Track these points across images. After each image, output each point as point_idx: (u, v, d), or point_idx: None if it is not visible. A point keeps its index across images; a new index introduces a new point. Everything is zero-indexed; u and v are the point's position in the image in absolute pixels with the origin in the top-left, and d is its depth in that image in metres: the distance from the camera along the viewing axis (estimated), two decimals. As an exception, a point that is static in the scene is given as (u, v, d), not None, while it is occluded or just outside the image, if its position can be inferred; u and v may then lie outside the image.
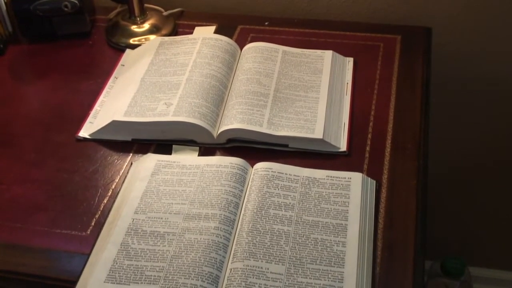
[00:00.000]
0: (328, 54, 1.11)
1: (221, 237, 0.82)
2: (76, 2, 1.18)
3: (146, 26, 1.21)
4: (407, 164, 0.93)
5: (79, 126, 1.03)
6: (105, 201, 0.91)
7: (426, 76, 1.09)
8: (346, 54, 1.13)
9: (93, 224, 0.88)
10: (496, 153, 1.41)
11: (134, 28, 1.21)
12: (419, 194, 0.89)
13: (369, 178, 0.90)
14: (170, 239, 0.82)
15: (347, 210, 0.86)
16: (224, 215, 0.85)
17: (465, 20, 1.22)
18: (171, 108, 0.99)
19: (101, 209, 0.90)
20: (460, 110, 1.36)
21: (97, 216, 0.89)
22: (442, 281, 1.48)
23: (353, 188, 0.88)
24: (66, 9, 1.18)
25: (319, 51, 1.12)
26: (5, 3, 1.20)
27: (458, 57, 1.26)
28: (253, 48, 1.12)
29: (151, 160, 0.95)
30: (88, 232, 0.87)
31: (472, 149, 1.42)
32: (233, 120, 0.97)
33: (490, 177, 1.46)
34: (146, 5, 1.23)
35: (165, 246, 0.82)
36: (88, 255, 0.83)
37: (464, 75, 1.29)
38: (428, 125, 1.02)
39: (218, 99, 1.02)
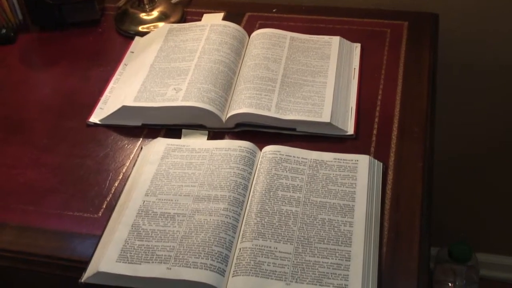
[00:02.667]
0: (335, 39, 1.12)
1: (230, 218, 0.84)
2: (86, -11, 1.19)
3: (155, 13, 1.23)
4: (414, 147, 0.94)
5: (89, 112, 1.04)
6: (116, 184, 0.93)
7: (433, 61, 1.10)
8: (353, 40, 1.14)
9: (104, 206, 0.89)
10: (504, 138, 1.42)
11: (143, 15, 1.22)
12: (425, 176, 0.90)
13: (376, 161, 0.91)
14: (180, 220, 0.84)
15: (354, 192, 0.87)
16: (233, 196, 0.86)
17: (472, 5, 1.23)
18: (180, 93, 1.00)
19: (112, 192, 0.92)
20: (467, 95, 1.36)
21: (108, 198, 0.91)
22: (449, 266, 1.49)
23: (360, 170, 0.90)
24: (75, -3, 1.19)
25: (326, 37, 1.13)
26: (16, -9, 1.21)
27: (465, 42, 1.27)
28: (261, 34, 1.13)
29: (161, 144, 0.96)
30: (100, 214, 0.88)
31: (479, 134, 1.43)
32: (242, 104, 0.98)
33: (498, 163, 1.47)
34: (154, -8, 1.24)
35: (175, 227, 0.83)
36: (100, 236, 0.84)
37: (472, 60, 1.29)
38: (435, 110, 1.03)
39: (227, 84, 1.03)
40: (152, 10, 1.23)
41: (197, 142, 0.96)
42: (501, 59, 1.29)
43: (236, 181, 0.88)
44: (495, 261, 1.63)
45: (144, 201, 0.87)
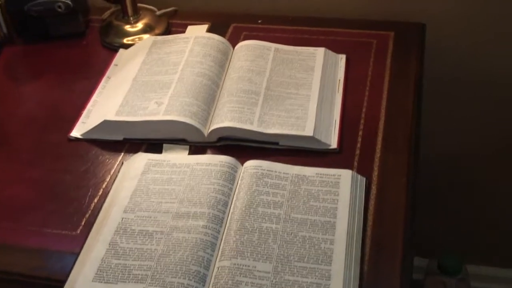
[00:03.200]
0: (320, 51, 1.11)
1: (209, 236, 0.82)
2: (69, 2, 1.18)
3: (140, 25, 1.22)
4: (398, 161, 0.93)
5: (72, 126, 1.03)
6: (95, 200, 0.91)
7: (419, 72, 1.09)
8: (339, 51, 1.13)
9: (83, 223, 0.88)
10: (492, 148, 1.41)
11: (127, 28, 1.21)
12: (409, 191, 0.89)
13: (359, 175, 0.90)
14: (159, 238, 0.83)
15: (336, 208, 0.85)
16: (212, 213, 0.85)
17: (460, 15, 1.21)
18: (162, 107, 0.99)
19: (92, 208, 0.90)
20: (454, 105, 1.35)
21: (87, 215, 0.89)
22: (439, 279, 1.48)
23: (342, 185, 0.88)
24: (59, 9, 1.18)
25: (311, 49, 1.12)
26: (0, 4, 1.20)
27: (453, 52, 1.26)
28: (245, 46, 1.12)
29: (141, 159, 0.95)
30: (78, 232, 0.87)
31: (468, 144, 1.41)
32: (224, 118, 0.97)
33: (487, 174, 1.46)
34: (139, 4, 1.23)
35: (153, 245, 0.82)
36: (78, 254, 0.83)
37: (459, 70, 1.28)
38: (421, 122, 1.02)
39: (210, 97, 1.02)
40: (136, 22, 1.22)
41: (178, 157, 0.95)
42: (489, 69, 1.27)
43: (216, 197, 0.87)
44: (486, 273, 1.61)
45: (122, 218, 0.86)
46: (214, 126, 0.97)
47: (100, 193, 0.93)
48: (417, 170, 0.94)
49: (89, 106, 1.06)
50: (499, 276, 1.61)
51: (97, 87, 1.10)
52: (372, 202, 0.88)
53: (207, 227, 0.83)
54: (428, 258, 1.55)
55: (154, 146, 0.99)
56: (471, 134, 1.39)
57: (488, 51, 1.26)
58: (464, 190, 1.50)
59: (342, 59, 1.12)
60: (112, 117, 0.99)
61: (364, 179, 0.90)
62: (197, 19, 1.25)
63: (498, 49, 1.25)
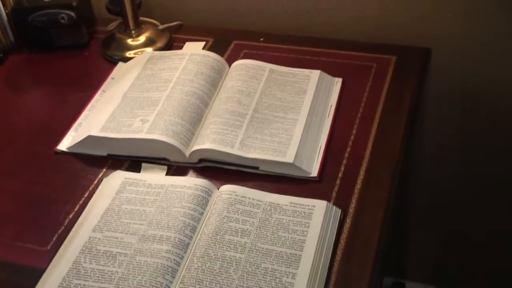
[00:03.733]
0: (315, 74, 1.09)
1: (171, 261, 0.81)
2: (73, 14, 1.19)
3: (141, 39, 1.21)
4: (378, 193, 0.90)
5: (60, 139, 1.03)
6: (70, 216, 0.91)
7: (416, 100, 1.05)
8: (337, 74, 1.11)
9: (54, 239, 0.88)
10: (498, 175, 1.35)
11: (129, 41, 1.21)
12: (384, 227, 0.86)
13: (334, 207, 0.87)
14: (121, 260, 0.82)
15: (304, 240, 0.83)
16: (178, 238, 0.84)
17: (468, 39, 1.17)
18: (146, 125, 0.98)
19: (65, 224, 0.90)
20: (459, 130, 1.30)
21: (59, 231, 0.89)
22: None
23: (314, 217, 0.86)
24: (62, 21, 1.19)
25: (307, 71, 1.10)
26: (7, 13, 1.22)
27: (459, 77, 1.21)
28: (240, 65, 1.10)
29: (119, 177, 0.94)
30: (48, 248, 0.87)
31: (474, 170, 1.36)
32: (205, 140, 0.96)
33: (492, 198, 1.40)
34: (142, 18, 1.23)
35: (114, 267, 0.81)
36: (43, 271, 0.83)
37: (465, 94, 1.24)
38: (410, 153, 0.98)
39: (196, 117, 1.01)
40: (138, 35, 1.21)
41: (155, 177, 0.94)
42: (498, 95, 1.22)
43: (185, 221, 0.86)
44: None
45: (90, 237, 0.86)
46: (196, 147, 0.96)
47: (76, 209, 0.92)
48: (397, 205, 0.91)
49: (80, 119, 1.06)
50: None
51: (90, 100, 1.10)
52: (344, 236, 0.85)
53: (171, 252, 0.82)
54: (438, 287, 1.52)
55: (137, 163, 0.98)
56: (474, 161, 1.34)
57: (496, 75, 1.21)
58: (468, 216, 1.45)
59: (338, 82, 1.09)
60: (96, 132, 0.99)
61: (340, 211, 0.87)
62: (200, 35, 1.24)
63: (506, 74, 1.20)
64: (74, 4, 1.19)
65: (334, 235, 0.85)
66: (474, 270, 1.53)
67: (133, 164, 0.98)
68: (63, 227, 0.90)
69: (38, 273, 0.83)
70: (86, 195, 0.94)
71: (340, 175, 0.93)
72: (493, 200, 1.39)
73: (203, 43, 1.20)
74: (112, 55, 1.21)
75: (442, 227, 1.48)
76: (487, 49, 1.18)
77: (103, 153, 1.00)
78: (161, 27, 1.24)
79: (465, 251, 1.51)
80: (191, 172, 0.96)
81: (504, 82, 1.21)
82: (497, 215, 1.41)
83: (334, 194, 0.91)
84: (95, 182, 0.96)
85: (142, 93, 1.06)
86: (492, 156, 1.32)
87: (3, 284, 0.84)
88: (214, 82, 1.08)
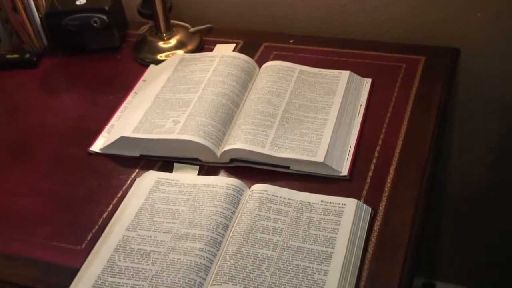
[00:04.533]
0: (344, 74, 1.09)
1: (204, 259, 0.82)
2: (105, 18, 1.21)
3: (172, 42, 1.23)
4: (408, 192, 0.90)
5: (93, 140, 1.05)
6: (104, 216, 0.93)
7: (445, 100, 1.05)
8: (366, 74, 1.11)
9: (88, 238, 0.90)
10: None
11: (160, 44, 1.23)
12: (415, 225, 0.86)
13: (364, 205, 0.88)
14: (155, 258, 0.83)
15: (335, 237, 0.84)
16: (211, 236, 0.85)
17: (496, 40, 1.17)
18: (178, 126, 1.00)
19: (99, 224, 0.92)
20: (484, 133, 1.30)
21: (94, 230, 0.91)
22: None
23: (345, 215, 0.86)
24: (95, 24, 1.21)
25: (336, 71, 1.11)
26: (40, 18, 1.24)
27: (487, 77, 1.21)
28: (270, 67, 1.12)
29: (151, 177, 0.96)
30: (83, 247, 0.89)
31: (499, 170, 1.35)
32: (237, 140, 0.97)
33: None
34: (173, 21, 1.24)
35: (148, 265, 0.83)
36: (78, 269, 0.85)
37: (495, 96, 1.23)
38: (439, 152, 0.98)
39: (227, 118, 1.02)
40: (169, 38, 1.23)
41: (187, 177, 0.96)
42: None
43: (217, 220, 0.87)
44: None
45: (123, 236, 0.87)
46: (227, 147, 0.97)
47: (109, 208, 0.94)
48: (427, 203, 0.91)
49: (112, 121, 1.08)
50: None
51: (123, 102, 1.12)
52: (374, 234, 0.85)
53: (203, 250, 0.83)
54: (462, 286, 1.50)
55: (169, 164, 1.00)
56: (502, 161, 1.33)
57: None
58: (493, 216, 1.44)
59: (367, 83, 1.09)
60: (129, 133, 1.01)
61: (370, 209, 0.88)
62: (230, 37, 1.26)
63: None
64: (107, 7, 1.21)
65: (365, 233, 0.85)
66: (507, 270, 1.52)
67: (165, 164, 1.00)
68: (97, 227, 0.91)
69: (73, 271, 0.85)
70: (119, 195, 0.96)
71: (370, 174, 0.94)
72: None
73: (233, 45, 1.22)
74: (143, 58, 1.22)
75: (474, 227, 1.48)
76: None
77: (136, 154, 1.02)
78: (192, 30, 1.26)
79: (498, 251, 1.50)
80: (222, 172, 0.98)
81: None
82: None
83: (364, 192, 0.91)
84: (128, 182, 0.98)
85: (173, 95, 1.07)
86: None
87: (39, 283, 0.85)
88: (244, 83, 1.09)
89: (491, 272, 1.53)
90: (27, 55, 1.25)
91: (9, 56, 1.25)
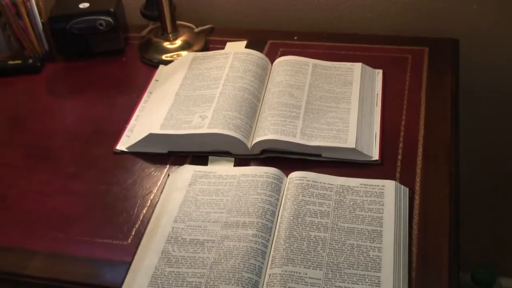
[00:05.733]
0: (357, 66, 1.13)
1: (259, 244, 0.84)
2: (111, 20, 1.21)
3: (178, 42, 1.25)
4: (439, 171, 0.95)
5: (116, 140, 1.05)
6: (144, 211, 0.94)
7: (455, 86, 1.11)
8: (374, 66, 1.16)
9: (133, 233, 0.90)
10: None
11: (166, 44, 1.24)
12: (452, 201, 0.91)
13: (402, 186, 0.92)
14: (210, 247, 0.85)
15: (382, 217, 0.87)
16: (261, 222, 0.87)
17: (493, 30, 1.24)
18: (206, 120, 1.01)
19: (141, 219, 0.92)
20: (487, 119, 1.37)
21: (137, 225, 0.91)
22: (473, 291, 1.49)
23: (387, 196, 0.90)
24: (101, 27, 1.22)
25: (348, 64, 1.15)
26: (42, 22, 1.23)
27: (486, 68, 1.28)
28: (284, 61, 1.15)
29: (188, 171, 0.97)
30: (129, 241, 0.89)
31: (500, 156, 1.43)
32: (267, 131, 0.99)
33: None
34: (178, 22, 1.26)
35: (205, 253, 0.84)
36: (130, 263, 0.85)
37: (492, 85, 1.30)
38: (459, 134, 1.03)
39: (251, 111, 1.04)
40: (175, 39, 1.25)
41: (223, 168, 0.97)
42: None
43: (264, 207, 0.89)
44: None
45: (173, 228, 0.88)
46: (258, 139, 0.99)
47: (148, 204, 0.95)
48: (458, 180, 0.95)
49: (132, 120, 1.09)
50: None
51: (139, 102, 1.13)
52: (416, 212, 0.89)
53: (257, 235, 0.85)
54: (461, 272, 1.56)
55: (198, 158, 1.01)
56: (505, 146, 1.40)
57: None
58: (497, 201, 1.51)
59: (379, 73, 1.14)
60: (157, 130, 1.02)
61: (408, 189, 0.92)
62: (234, 36, 1.28)
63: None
64: (112, 9, 1.21)
65: (407, 211, 0.89)
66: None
67: (195, 159, 1.01)
68: (139, 222, 0.92)
69: (123, 265, 0.85)
70: (155, 191, 0.97)
71: (399, 157, 0.98)
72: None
73: (244, 42, 1.24)
74: (151, 58, 1.23)
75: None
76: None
77: (164, 150, 1.02)
78: (196, 30, 1.28)
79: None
80: (253, 164, 1.00)
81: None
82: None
83: (397, 175, 0.95)
84: (162, 177, 0.99)
85: (194, 92, 1.09)
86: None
87: (92, 278, 0.85)
88: (261, 78, 1.12)
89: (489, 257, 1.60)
90: (30, 61, 1.24)
91: (11, 62, 1.24)
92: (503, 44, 1.25)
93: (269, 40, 1.26)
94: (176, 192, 0.94)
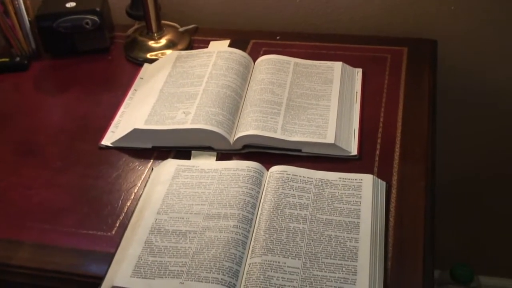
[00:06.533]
0: (337, 65, 1.16)
1: (240, 235, 0.87)
2: (97, 19, 1.24)
3: (163, 41, 1.27)
4: (416, 167, 0.98)
5: (101, 135, 1.08)
6: (128, 204, 0.96)
7: (433, 85, 1.14)
8: (355, 66, 1.19)
9: (117, 225, 0.92)
10: (501, 160, 1.45)
11: (151, 43, 1.27)
12: (428, 194, 0.93)
13: (379, 180, 0.95)
14: (192, 237, 0.87)
15: (359, 209, 0.90)
16: (242, 214, 0.89)
17: (470, 32, 1.27)
18: (189, 116, 1.04)
19: (125, 211, 0.95)
20: (463, 120, 1.40)
21: (121, 217, 0.94)
22: (452, 288, 1.52)
23: (364, 189, 0.93)
24: (87, 26, 1.24)
25: (329, 62, 1.17)
26: (29, 21, 1.25)
27: (463, 68, 1.31)
28: (266, 60, 1.17)
29: (171, 164, 0.99)
30: (113, 233, 0.91)
31: (477, 156, 1.46)
32: (249, 127, 1.02)
33: (497, 185, 1.50)
34: (162, 21, 1.28)
35: (187, 243, 0.86)
36: (114, 253, 0.87)
37: (470, 85, 1.33)
38: (435, 131, 1.07)
39: (234, 108, 1.07)
40: (160, 38, 1.27)
41: (206, 163, 1.00)
42: (499, 85, 1.33)
43: (245, 199, 0.92)
44: (497, 284, 1.65)
45: (156, 219, 0.90)
46: (240, 134, 1.02)
47: (132, 197, 0.97)
48: (434, 175, 0.98)
49: (117, 116, 1.11)
50: (511, 287, 1.66)
51: (124, 99, 1.15)
52: (393, 205, 0.92)
53: (238, 226, 0.87)
54: (440, 269, 1.59)
55: (182, 153, 1.04)
56: (482, 147, 1.44)
57: (496, 67, 1.31)
58: (474, 201, 1.54)
59: (358, 72, 1.17)
60: (141, 125, 1.04)
61: (385, 183, 0.95)
62: (218, 36, 1.31)
63: (506, 65, 1.30)
64: (98, 9, 1.24)
65: (384, 204, 0.92)
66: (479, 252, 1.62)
67: (179, 154, 1.04)
68: (123, 214, 0.94)
69: (107, 256, 0.87)
70: (139, 184, 0.99)
71: (377, 152, 1.01)
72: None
73: (228, 41, 1.27)
74: (136, 57, 1.26)
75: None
76: (488, 42, 1.28)
77: (148, 145, 1.05)
78: (181, 29, 1.30)
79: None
80: (235, 158, 1.02)
81: (507, 76, 1.31)
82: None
83: (375, 169, 0.98)
84: (146, 171, 1.01)
85: (178, 89, 1.11)
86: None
87: (77, 267, 0.87)
88: (244, 76, 1.15)
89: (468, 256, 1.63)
90: (18, 59, 1.26)
91: (-2, 60, 1.26)
92: (480, 45, 1.28)
93: (252, 40, 1.29)
94: (160, 185, 0.96)
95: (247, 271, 0.83)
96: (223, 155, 1.03)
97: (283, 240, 0.86)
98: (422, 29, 1.28)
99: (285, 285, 0.80)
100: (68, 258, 0.88)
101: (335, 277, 0.81)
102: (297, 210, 0.90)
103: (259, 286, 0.80)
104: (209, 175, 0.97)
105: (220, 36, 1.31)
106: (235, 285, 0.81)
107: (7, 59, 1.26)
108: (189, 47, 1.28)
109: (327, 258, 0.84)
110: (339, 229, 0.87)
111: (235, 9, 1.36)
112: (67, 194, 0.99)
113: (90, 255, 0.89)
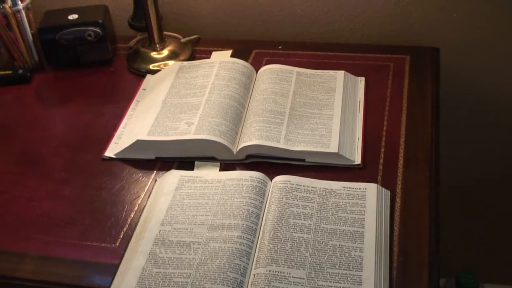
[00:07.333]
0: (340, 74, 1.16)
1: (244, 245, 0.86)
2: (99, 31, 1.24)
3: (165, 52, 1.27)
4: (420, 174, 0.97)
5: (104, 147, 1.08)
6: (132, 215, 0.96)
7: (436, 92, 1.14)
8: (357, 74, 1.19)
9: (121, 236, 0.92)
10: (506, 166, 1.45)
11: (153, 54, 1.27)
12: (432, 203, 0.93)
13: (383, 188, 0.94)
14: (196, 248, 0.87)
15: (364, 218, 0.90)
16: (246, 224, 0.89)
17: (472, 39, 1.27)
18: (192, 127, 1.04)
19: (129, 222, 0.94)
20: (466, 127, 1.40)
21: (125, 229, 0.93)
22: (457, 296, 1.51)
23: (368, 198, 0.93)
24: (89, 38, 1.24)
25: (331, 71, 1.17)
26: (32, 33, 1.26)
27: (466, 76, 1.31)
28: (269, 70, 1.17)
29: (174, 175, 0.99)
30: (117, 244, 0.91)
31: (481, 163, 1.46)
32: (252, 137, 1.02)
33: (502, 191, 1.50)
34: (164, 32, 1.29)
35: (191, 254, 0.86)
36: (118, 264, 0.87)
37: (470, 93, 1.33)
38: (439, 138, 1.06)
39: (237, 118, 1.07)
40: (162, 49, 1.27)
41: (209, 173, 1.00)
42: (502, 91, 1.33)
43: (249, 210, 0.91)
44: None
45: (160, 230, 0.90)
46: (243, 144, 1.01)
47: (136, 208, 0.97)
48: (438, 183, 0.98)
49: (120, 128, 1.11)
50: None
51: (127, 110, 1.15)
52: (397, 213, 0.92)
53: (242, 237, 0.87)
54: (445, 277, 1.58)
55: (185, 164, 1.03)
56: (485, 153, 1.44)
57: (499, 74, 1.31)
58: (479, 208, 1.54)
59: (361, 81, 1.17)
60: (144, 137, 1.04)
61: (389, 192, 0.94)
62: (220, 46, 1.31)
63: (508, 72, 1.30)
64: (100, 21, 1.24)
65: (389, 213, 0.91)
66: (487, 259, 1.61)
67: (182, 164, 1.03)
68: (127, 225, 0.94)
69: (111, 267, 0.87)
70: (142, 196, 0.99)
71: (381, 161, 1.00)
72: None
73: (230, 51, 1.27)
74: (138, 68, 1.26)
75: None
76: (491, 49, 1.28)
77: (151, 156, 1.05)
78: (183, 40, 1.31)
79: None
80: (238, 169, 1.02)
81: (509, 82, 1.30)
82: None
83: (379, 178, 0.98)
84: (149, 182, 1.01)
85: (180, 99, 1.11)
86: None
87: (81, 279, 0.87)
88: (246, 86, 1.15)
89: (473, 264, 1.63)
90: (20, 71, 1.26)
91: (1, 72, 1.26)
92: (482, 52, 1.28)
93: (254, 50, 1.29)
94: (163, 197, 0.96)
95: (251, 282, 0.82)
96: (226, 166, 1.03)
97: (287, 250, 0.86)
98: (424, 37, 1.28)
99: (290, 296, 0.80)
100: (72, 270, 0.88)
101: (340, 287, 0.81)
102: (301, 220, 0.90)
103: (264, 297, 0.80)
104: (212, 185, 0.97)
105: (222, 46, 1.31)
106: (240, 296, 0.81)
107: (10, 72, 1.26)
108: (192, 57, 1.28)
109: (332, 268, 0.83)
110: (343, 239, 0.87)
111: (237, 19, 1.36)
112: (71, 205, 0.98)
113: (94, 267, 0.89)
